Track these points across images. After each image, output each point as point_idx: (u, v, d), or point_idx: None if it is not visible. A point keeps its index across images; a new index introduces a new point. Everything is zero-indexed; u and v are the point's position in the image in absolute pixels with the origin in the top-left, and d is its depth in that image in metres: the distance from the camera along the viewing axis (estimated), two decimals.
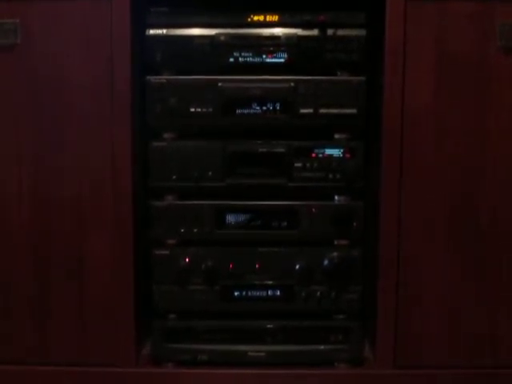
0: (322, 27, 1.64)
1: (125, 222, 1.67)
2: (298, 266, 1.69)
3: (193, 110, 1.65)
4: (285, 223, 1.70)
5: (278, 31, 1.65)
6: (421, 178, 1.65)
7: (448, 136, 1.64)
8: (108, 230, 1.67)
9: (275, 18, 1.65)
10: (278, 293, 1.71)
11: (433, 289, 1.68)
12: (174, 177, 1.68)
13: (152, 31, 1.64)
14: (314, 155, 1.68)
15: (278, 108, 1.65)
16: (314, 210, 1.69)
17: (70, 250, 1.68)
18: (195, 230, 1.69)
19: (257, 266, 1.71)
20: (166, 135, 1.68)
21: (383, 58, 1.62)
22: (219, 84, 1.64)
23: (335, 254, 1.69)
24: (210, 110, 1.65)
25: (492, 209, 1.66)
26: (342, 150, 1.67)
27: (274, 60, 1.65)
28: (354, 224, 1.69)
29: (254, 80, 1.65)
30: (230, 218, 1.70)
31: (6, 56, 1.62)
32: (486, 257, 1.67)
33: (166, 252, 1.70)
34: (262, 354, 1.72)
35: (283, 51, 1.65)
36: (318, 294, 1.70)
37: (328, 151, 1.68)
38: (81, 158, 1.66)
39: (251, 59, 1.65)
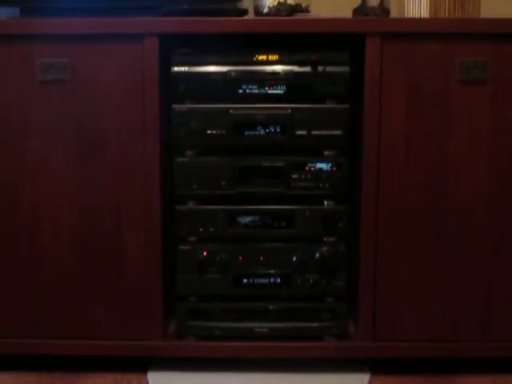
0: (314, 64, 1.71)
1: (154, 223, 1.74)
2: (294, 259, 1.77)
3: (209, 132, 1.73)
4: (284, 223, 1.77)
5: (278, 68, 1.72)
6: (394, 186, 1.72)
7: (416, 154, 1.71)
8: (141, 230, 1.74)
9: (276, 57, 1.73)
10: (279, 280, 1.79)
11: (406, 275, 1.75)
12: (194, 186, 1.75)
13: (176, 68, 1.71)
14: (307, 168, 1.75)
15: (278, 130, 1.73)
16: (307, 212, 1.76)
17: (110, 246, 1.75)
18: (211, 230, 1.77)
19: (261, 258, 1.78)
20: (187, 152, 1.75)
21: (363, 89, 1.70)
22: (230, 111, 1.72)
23: (325, 248, 1.77)
24: (223, 132, 1.72)
25: (455, 211, 1.74)
26: (330, 164, 1.74)
27: (274, 91, 1.73)
28: (340, 224, 1.76)
29: (259, 108, 1.73)
30: (240, 220, 1.77)
31: (56, 89, 1.70)
32: (452, 249, 1.75)
33: (188, 247, 1.77)
34: (266, 329, 1.79)
35: (282, 84, 1.72)
36: (311, 281, 1.77)
37: (319, 165, 1.75)
38: (119, 173, 1.73)
39: (256, 91, 1.73)
